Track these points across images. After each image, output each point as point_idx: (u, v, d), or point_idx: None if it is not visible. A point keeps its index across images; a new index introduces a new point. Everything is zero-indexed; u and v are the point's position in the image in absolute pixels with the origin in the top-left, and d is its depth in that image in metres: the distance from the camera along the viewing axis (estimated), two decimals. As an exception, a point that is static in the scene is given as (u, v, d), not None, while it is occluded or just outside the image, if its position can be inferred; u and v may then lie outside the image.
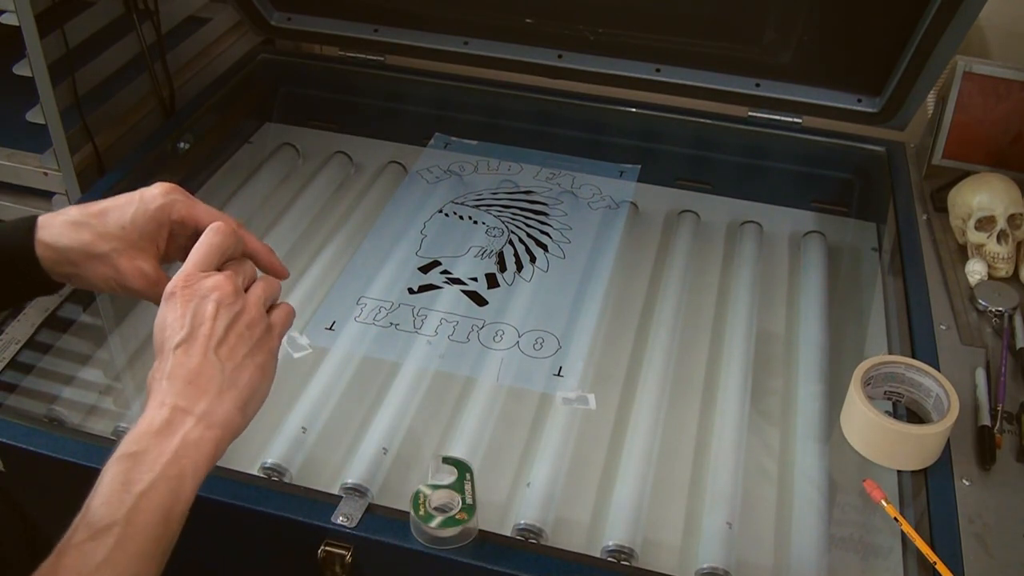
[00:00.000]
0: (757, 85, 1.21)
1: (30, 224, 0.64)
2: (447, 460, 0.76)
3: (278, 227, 1.16)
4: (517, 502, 0.84)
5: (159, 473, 0.55)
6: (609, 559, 0.78)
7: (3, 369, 0.91)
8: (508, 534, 0.79)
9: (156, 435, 0.56)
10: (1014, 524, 0.78)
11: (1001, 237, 1.04)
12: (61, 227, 0.64)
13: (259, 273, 0.70)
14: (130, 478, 0.55)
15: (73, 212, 0.66)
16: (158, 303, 0.64)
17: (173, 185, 0.68)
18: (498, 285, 1.09)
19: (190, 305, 0.61)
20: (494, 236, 1.17)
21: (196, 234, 0.66)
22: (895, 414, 0.89)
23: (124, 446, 0.57)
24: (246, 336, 0.62)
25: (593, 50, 1.25)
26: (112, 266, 0.66)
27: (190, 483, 0.57)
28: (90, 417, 0.92)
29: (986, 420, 0.86)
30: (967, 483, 0.81)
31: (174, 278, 0.63)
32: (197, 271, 0.63)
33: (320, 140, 1.35)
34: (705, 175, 1.29)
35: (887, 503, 0.79)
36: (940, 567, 0.73)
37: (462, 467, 0.75)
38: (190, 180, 1.19)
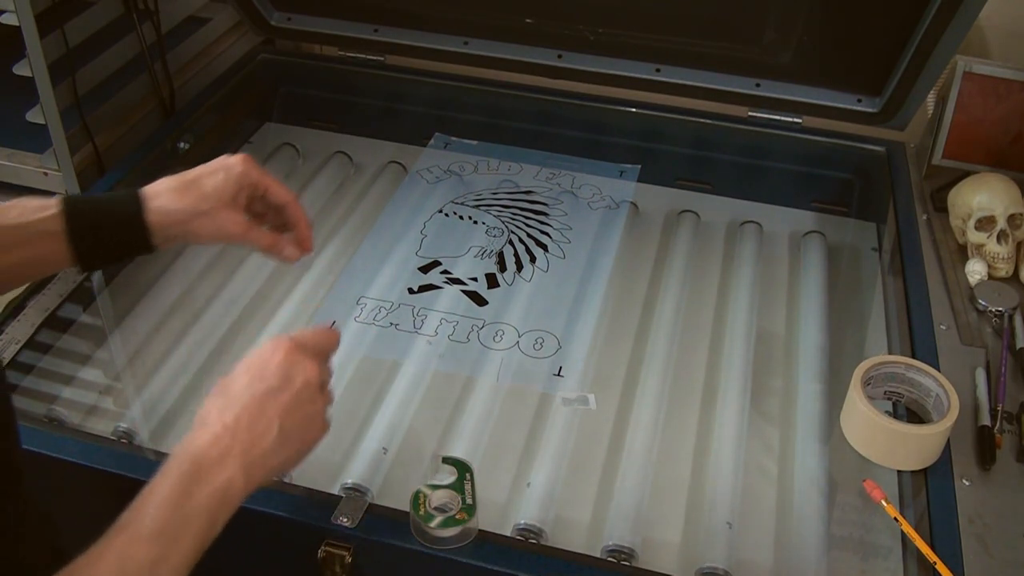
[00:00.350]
0: (757, 85, 1.21)
1: (135, 196, 0.75)
2: (447, 460, 0.76)
3: (278, 227, 1.16)
4: (517, 502, 0.84)
5: (207, 495, 0.60)
6: (609, 559, 0.78)
7: (3, 369, 0.90)
8: (508, 534, 0.79)
9: (213, 464, 0.61)
10: (1014, 524, 0.78)
11: (1001, 237, 1.04)
12: (169, 194, 0.75)
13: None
14: (184, 492, 0.59)
15: (172, 182, 0.76)
16: (250, 244, 0.79)
17: (248, 156, 0.79)
18: (498, 285, 1.09)
19: (290, 365, 0.67)
20: (494, 236, 1.17)
21: (265, 196, 0.80)
22: (895, 414, 0.89)
23: (181, 463, 0.60)
24: (303, 424, 0.67)
25: (593, 50, 1.25)
26: (213, 219, 0.76)
27: (224, 517, 0.61)
28: (90, 417, 0.92)
29: (986, 420, 0.86)
30: (967, 483, 0.81)
31: (292, 335, 0.70)
32: (309, 347, 0.70)
33: (320, 140, 1.35)
34: (705, 175, 1.29)
35: (887, 503, 0.79)
36: (940, 567, 0.73)
37: (462, 467, 0.75)
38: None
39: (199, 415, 0.65)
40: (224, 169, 0.77)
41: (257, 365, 0.67)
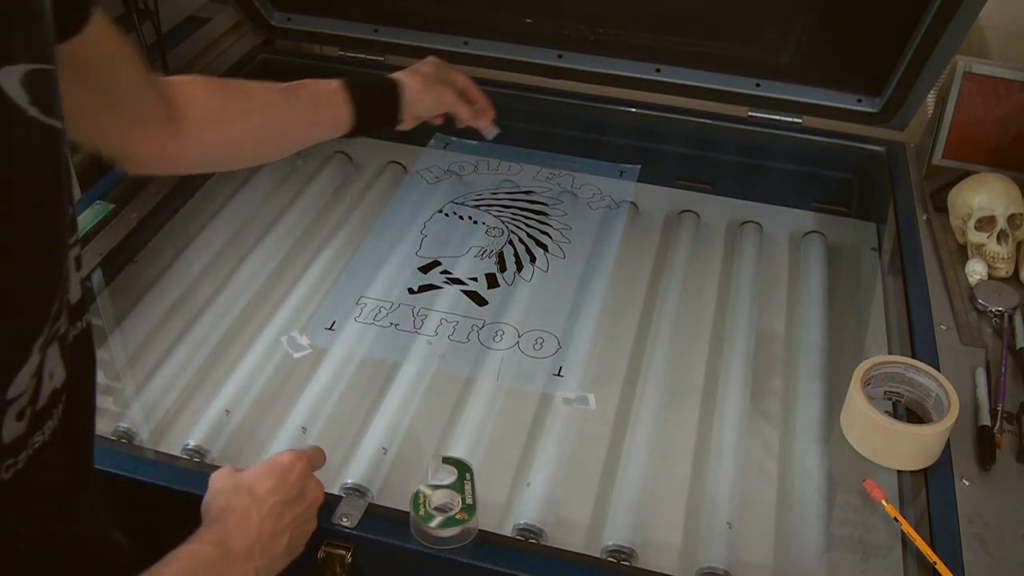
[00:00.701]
0: (757, 85, 1.21)
1: (388, 79, 0.98)
2: (447, 460, 0.76)
3: (278, 227, 1.16)
4: (517, 502, 0.84)
5: None
6: (609, 559, 0.78)
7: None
8: (508, 534, 0.79)
9: (238, 557, 0.64)
10: (1014, 524, 0.78)
11: (1001, 237, 1.04)
12: (402, 74, 0.99)
13: None
14: (210, 571, 0.62)
15: (399, 72, 1.00)
16: (458, 111, 1.04)
17: (435, 57, 1.05)
18: (498, 285, 1.09)
19: (305, 481, 0.70)
20: (494, 236, 1.17)
21: (454, 84, 1.04)
22: (895, 414, 0.89)
23: (214, 539, 0.63)
24: (300, 539, 0.70)
25: (593, 50, 1.25)
26: (433, 92, 1.00)
27: None
28: (90, 417, 0.92)
29: (986, 420, 0.86)
30: (967, 483, 0.81)
31: (307, 452, 0.73)
32: (314, 466, 0.74)
33: (320, 140, 1.35)
34: (705, 175, 1.29)
35: (887, 503, 0.79)
36: (940, 567, 0.73)
37: (462, 467, 0.75)
38: (190, 180, 1.19)
39: (227, 504, 0.66)
40: (425, 63, 1.02)
41: (279, 473, 0.69)
